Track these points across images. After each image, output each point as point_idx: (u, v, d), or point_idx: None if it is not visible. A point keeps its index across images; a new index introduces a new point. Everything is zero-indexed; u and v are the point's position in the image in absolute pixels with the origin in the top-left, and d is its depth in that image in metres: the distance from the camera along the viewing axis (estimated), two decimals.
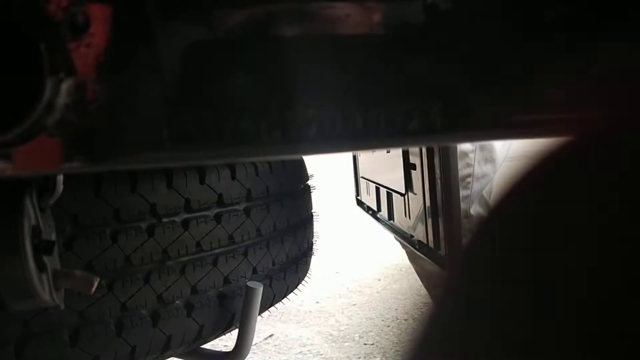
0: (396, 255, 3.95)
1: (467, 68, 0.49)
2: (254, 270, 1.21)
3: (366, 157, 1.99)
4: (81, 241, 0.99)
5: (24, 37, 0.43)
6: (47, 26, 0.43)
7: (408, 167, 1.47)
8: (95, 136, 0.46)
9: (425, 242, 1.36)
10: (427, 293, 1.99)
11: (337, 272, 3.83)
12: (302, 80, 0.48)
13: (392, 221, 1.72)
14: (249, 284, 1.15)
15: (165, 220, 1.07)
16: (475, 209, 1.81)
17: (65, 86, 0.44)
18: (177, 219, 1.09)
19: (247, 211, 1.20)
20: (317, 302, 3.31)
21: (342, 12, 0.46)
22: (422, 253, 1.42)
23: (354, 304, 3.26)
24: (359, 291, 3.47)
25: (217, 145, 0.48)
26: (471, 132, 0.51)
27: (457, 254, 1.24)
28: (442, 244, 1.25)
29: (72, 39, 0.44)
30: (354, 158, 2.21)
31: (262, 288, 1.15)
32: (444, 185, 1.24)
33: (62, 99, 0.44)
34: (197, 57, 0.47)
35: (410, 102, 0.48)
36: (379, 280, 3.63)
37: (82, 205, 0.99)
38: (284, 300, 1.41)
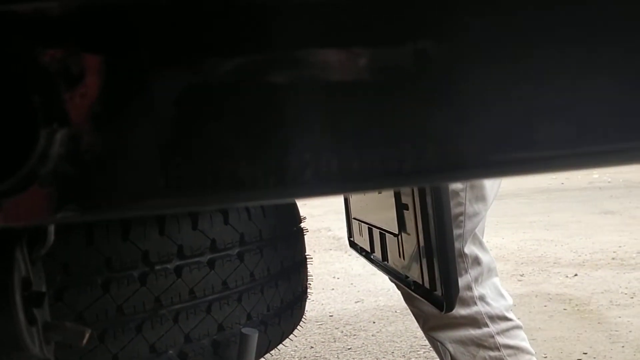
0: (390, 297, 3.92)
1: (457, 110, 0.49)
2: (249, 317, 1.19)
3: (358, 198, 1.99)
4: (72, 291, 0.97)
5: (17, 87, 0.43)
6: (42, 77, 0.43)
7: (400, 207, 1.46)
8: (89, 185, 0.46)
9: (421, 282, 1.35)
10: (423, 335, 1.96)
11: (331, 316, 3.79)
12: (296, 126, 0.48)
13: (386, 262, 1.70)
14: (243, 330, 1.13)
15: (157, 267, 1.05)
16: (469, 248, 1.80)
17: (59, 136, 0.44)
18: (169, 266, 1.07)
19: (240, 256, 1.19)
20: (312, 347, 3.26)
21: (333, 59, 0.47)
22: (418, 294, 1.40)
23: (349, 348, 3.22)
24: (354, 335, 3.43)
25: (214, 192, 0.47)
26: (463, 172, 0.51)
27: (454, 294, 1.24)
28: (438, 284, 1.24)
29: (67, 89, 0.44)
30: (346, 200, 2.22)
31: (257, 334, 1.13)
32: (437, 225, 1.24)
33: (55, 149, 0.44)
34: (192, 104, 0.47)
35: (404, 144, 0.48)
36: (374, 322, 3.59)
37: (73, 254, 0.98)
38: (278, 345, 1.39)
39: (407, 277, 1.52)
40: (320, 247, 5.69)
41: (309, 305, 1.55)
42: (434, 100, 0.49)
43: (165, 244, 1.07)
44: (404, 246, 1.49)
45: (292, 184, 0.48)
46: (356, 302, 4.10)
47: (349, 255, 4.93)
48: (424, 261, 1.30)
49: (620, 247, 4.95)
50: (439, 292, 1.26)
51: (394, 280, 1.88)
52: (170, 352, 1.06)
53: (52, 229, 0.78)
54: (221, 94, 0.47)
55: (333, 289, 4.41)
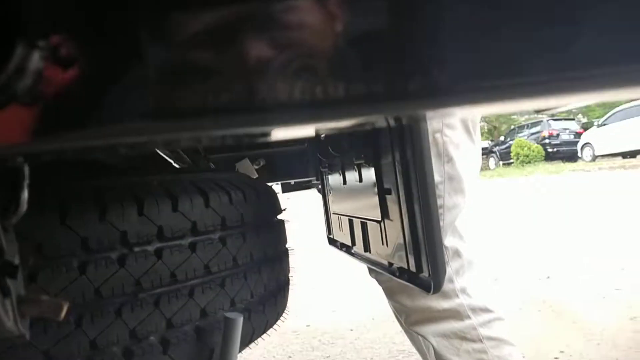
0: (368, 304, 3.89)
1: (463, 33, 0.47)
2: (232, 302, 1.15)
3: (337, 191, 1.96)
4: (46, 273, 0.92)
5: None
6: None
7: (383, 192, 1.44)
8: (73, 105, 0.42)
9: (406, 267, 1.32)
10: (401, 341, 1.93)
11: (308, 325, 3.74)
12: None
13: (368, 253, 1.67)
14: (227, 314, 1.09)
15: (137, 249, 1.01)
16: (450, 241, 1.79)
17: (38, 49, 0.41)
18: (149, 248, 1.03)
19: (222, 240, 1.15)
20: (290, 357, 3.21)
21: None
22: (403, 279, 1.37)
23: (327, 357, 3.17)
24: (332, 343, 3.39)
25: (200, 118, 0.44)
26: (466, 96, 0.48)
27: (441, 274, 1.21)
28: (425, 266, 1.22)
29: None
30: (324, 197, 2.18)
31: (241, 319, 1.08)
32: (423, 205, 1.21)
33: (34, 63, 0.40)
34: (181, 20, 0.44)
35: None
36: (352, 330, 3.56)
37: (47, 234, 0.93)
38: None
39: (391, 264, 1.49)
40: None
41: (284, 315, 1.50)
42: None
43: (144, 225, 1.02)
44: (388, 233, 1.46)
45: (297, 106, 0.45)
46: (333, 311, 4.06)
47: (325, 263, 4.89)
48: (410, 244, 1.27)
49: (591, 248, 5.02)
50: (425, 274, 1.23)
51: (376, 275, 1.85)
52: (152, 337, 1.01)
53: (24, 196, 0.74)
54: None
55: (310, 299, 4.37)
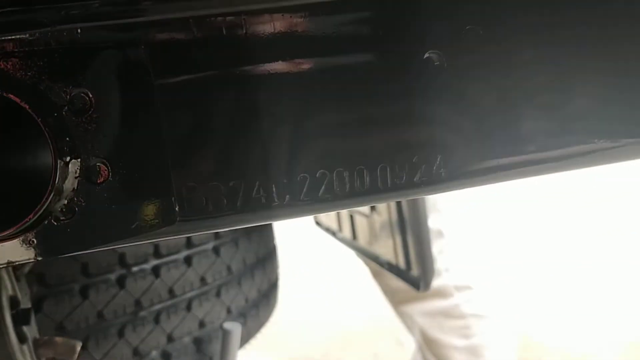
0: (350, 268, 3.94)
1: (462, 120, 0.50)
2: (228, 310, 1.19)
3: None
4: (50, 301, 0.94)
5: (28, 122, 0.41)
6: (51, 109, 0.41)
7: None
8: (104, 217, 0.44)
9: (395, 262, 1.37)
10: (391, 307, 2.00)
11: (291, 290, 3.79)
12: (310, 144, 0.47)
13: (355, 240, 1.71)
14: (225, 325, 1.13)
15: (135, 269, 1.03)
16: (432, 221, 1.84)
17: (72, 169, 0.42)
18: (147, 266, 1.05)
19: (216, 250, 1.18)
20: (275, 323, 3.28)
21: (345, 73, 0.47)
22: (393, 273, 1.42)
23: (312, 323, 3.24)
24: (316, 308, 3.45)
25: (230, 214, 0.47)
26: (469, 180, 0.52)
27: (430, 273, 1.26)
28: (413, 264, 1.26)
29: (75, 120, 0.42)
30: None
31: (239, 329, 1.13)
32: (410, 204, 1.25)
33: (69, 183, 0.42)
34: (203, 130, 0.46)
35: (414, 156, 0.49)
36: (335, 294, 3.61)
37: (48, 263, 0.95)
38: None
39: (379, 256, 1.54)
40: None
41: None
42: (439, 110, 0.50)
43: (141, 245, 1.04)
44: (375, 226, 1.50)
45: (306, 201, 0.48)
46: None
47: None
48: (398, 241, 1.32)
49: None
50: (414, 272, 1.28)
51: (363, 256, 1.90)
52: (154, 352, 1.05)
53: None
54: (236, 113, 0.46)
55: None
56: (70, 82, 0.42)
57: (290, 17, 0.45)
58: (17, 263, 0.44)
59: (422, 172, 0.49)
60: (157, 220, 0.45)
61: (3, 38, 0.42)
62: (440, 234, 1.85)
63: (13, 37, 0.42)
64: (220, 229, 0.49)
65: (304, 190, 0.48)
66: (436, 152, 0.49)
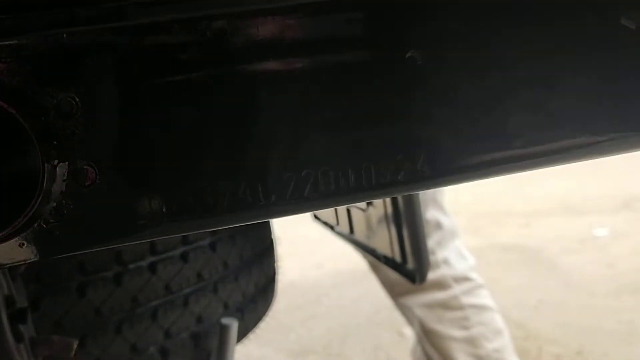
0: (349, 260, 3.97)
1: (445, 117, 0.51)
2: (225, 306, 1.20)
3: None
4: (48, 300, 0.95)
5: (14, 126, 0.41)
6: (38, 114, 0.42)
7: None
8: (93, 219, 0.45)
9: (391, 255, 1.37)
10: (385, 296, 2.01)
11: (292, 283, 3.81)
12: (295, 144, 0.48)
13: (353, 234, 1.72)
14: (222, 321, 1.14)
15: (131, 266, 1.04)
16: (430, 213, 1.85)
17: (60, 172, 0.43)
18: (143, 263, 1.06)
19: (212, 246, 1.18)
20: (275, 317, 3.29)
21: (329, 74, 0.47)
22: (389, 266, 1.43)
23: (313, 315, 3.26)
24: (317, 301, 3.47)
25: (217, 214, 0.47)
26: (453, 176, 0.52)
27: (425, 266, 1.27)
28: (409, 257, 1.27)
29: (62, 124, 0.43)
30: None
31: (236, 324, 1.14)
32: (405, 197, 1.26)
33: (57, 186, 0.43)
34: (189, 129, 0.46)
35: (398, 154, 0.50)
36: (336, 286, 3.63)
37: (45, 262, 0.95)
38: None
39: (376, 250, 1.54)
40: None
41: None
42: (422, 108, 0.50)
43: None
44: (372, 219, 1.51)
45: (292, 200, 0.49)
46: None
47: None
48: (394, 234, 1.32)
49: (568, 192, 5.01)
50: (410, 265, 1.29)
51: (360, 250, 1.91)
52: (152, 349, 1.06)
53: None
54: (220, 117, 0.46)
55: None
56: (57, 87, 0.43)
57: (274, 19, 0.46)
58: (7, 266, 0.45)
59: (405, 170, 0.50)
60: (144, 222, 0.46)
61: None
62: (439, 226, 1.86)
63: None
64: (208, 229, 0.50)
65: (290, 189, 0.48)
66: (419, 150, 0.50)
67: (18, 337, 0.74)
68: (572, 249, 3.69)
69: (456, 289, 1.84)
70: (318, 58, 0.47)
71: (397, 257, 1.32)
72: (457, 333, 1.86)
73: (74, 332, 0.96)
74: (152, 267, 1.08)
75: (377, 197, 0.51)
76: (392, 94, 0.49)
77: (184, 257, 1.13)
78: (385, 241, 1.40)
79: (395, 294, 1.92)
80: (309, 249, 4.54)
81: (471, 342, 1.85)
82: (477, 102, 0.51)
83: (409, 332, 2.35)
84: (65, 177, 0.44)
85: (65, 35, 0.43)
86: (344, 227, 1.76)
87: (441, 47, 0.49)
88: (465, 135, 0.51)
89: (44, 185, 0.42)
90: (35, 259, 0.45)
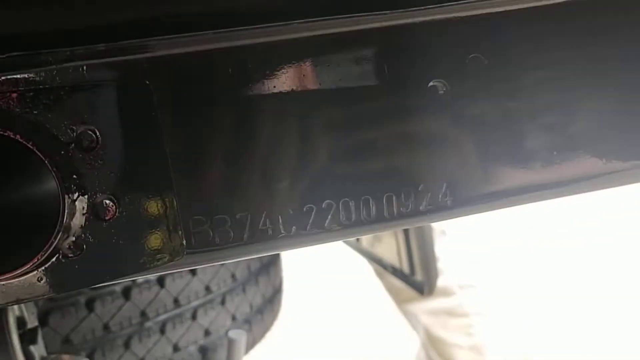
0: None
1: (467, 147, 0.50)
2: (233, 318, 1.19)
3: None
4: (56, 315, 0.95)
5: (32, 159, 0.41)
6: (58, 148, 0.41)
7: None
8: (112, 253, 0.44)
9: (399, 266, 1.37)
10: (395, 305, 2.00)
11: None
12: (316, 174, 0.47)
13: (359, 242, 1.72)
14: (230, 334, 1.13)
15: (140, 280, 1.04)
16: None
17: (80, 206, 0.42)
18: (152, 277, 1.06)
19: None
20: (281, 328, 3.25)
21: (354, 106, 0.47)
22: (397, 277, 1.42)
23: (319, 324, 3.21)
24: None
25: (237, 246, 0.47)
26: (475, 206, 0.52)
27: (433, 278, 1.26)
28: (417, 268, 1.27)
29: (82, 157, 0.42)
30: None
31: (244, 337, 1.13)
32: None
33: (77, 220, 0.42)
34: (209, 162, 0.46)
35: (420, 184, 0.49)
36: None
37: None
38: None
39: (383, 259, 1.54)
40: None
41: None
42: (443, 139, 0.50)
43: None
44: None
45: (313, 231, 0.48)
46: None
47: None
48: (402, 243, 1.32)
49: None
50: (418, 276, 1.29)
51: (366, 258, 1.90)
52: None
53: None
54: (239, 150, 0.46)
55: None
56: (76, 120, 0.42)
57: (294, 50, 0.45)
58: (25, 301, 0.44)
59: (427, 200, 0.49)
60: (164, 254, 0.46)
61: (8, 77, 0.42)
62: (443, 232, 1.85)
63: (18, 75, 0.42)
64: (227, 260, 0.49)
65: (311, 221, 0.48)
66: (442, 180, 0.49)
67: (29, 358, 0.74)
68: None
69: (461, 296, 1.83)
70: (340, 89, 0.47)
71: (405, 268, 1.31)
72: (462, 340, 1.85)
73: (82, 348, 0.96)
74: (161, 281, 1.07)
75: (398, 227, 0.50)
76: (413, 124, 0.49)
77: (192, 270, 1.12)
78: (392, 250, 1.39)
79: (400, 300, 1.91)
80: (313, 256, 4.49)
81: (476, 349, 1.84)
82: (500, 131, 0.50)
83: (413, 339, 2.34)
84: (85, 211, 0.43)
85: (84, 68, 0.43)
86: None
87: (463, 76, 0.49)
88: (488, 165, 0.50)
89: (64, 219, 0.41)
90: (53, 294, 0.45)
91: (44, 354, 0.79)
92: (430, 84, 0.48)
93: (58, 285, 0.44)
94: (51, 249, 0.41)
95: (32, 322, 0.76)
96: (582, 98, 0.53)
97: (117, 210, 0.44)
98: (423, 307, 1.87)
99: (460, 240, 1.91)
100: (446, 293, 1.83)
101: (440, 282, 1.80)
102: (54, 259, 0.43)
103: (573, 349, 2.51)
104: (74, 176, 0.42)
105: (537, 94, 0.51)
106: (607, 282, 3.16)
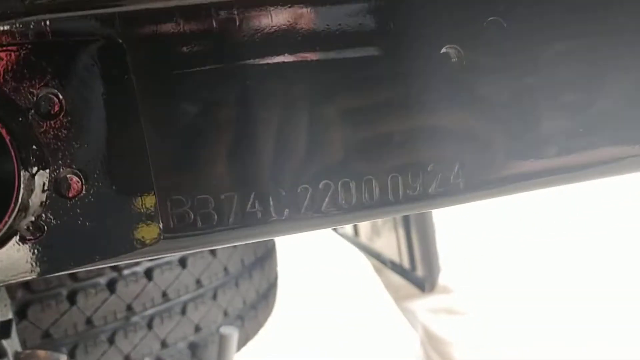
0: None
1: (482, 122, 0.45)
2: (225, 313, 1.14)
3: None
4: (36, 307, 0.89)
5: None
6: (15, 113, 0.36)
7: None
8: (78, 235, 0.39)
9: (399, 261, 1.32)
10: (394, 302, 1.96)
11: None
12: (312, 151, 0.42)
13: (357, 237, 1.66)
14: (222, 330, 1.08)
15: (126, 272, 0.98)
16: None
17: (40, 181, 0.37)
18: (139, 269, 1.00)
19: (212, 250, 1.12)
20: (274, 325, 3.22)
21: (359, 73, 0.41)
22: (396, 272, 1.37)
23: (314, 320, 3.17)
24: None
25: (221, 231, 0.41)
26: (490, 190, 0.46)
27: (435, 274, 1.21)
28: (418, 264, 1.21)
29: (43, 125, 0.37)
30: None
31: (236, 334, 1.08)
32: None
33: (36, 197, 0.37)
34: (190, 134, 0.40)
35: (429, 164, 0.44)
36: None
37: None
38: None
39: (382, 254, 1.49)
40: None
41: None
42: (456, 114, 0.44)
43: None
44: (378, 221, 1.45)
45: (309, 215, 0.43)
46: None
47: None
48: (402, 238, 1.27)
49: None
50: (419, 272, 1.24)
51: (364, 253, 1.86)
52: (147, 359, 1.00)
53: None
54: (224, 123, 0.40)
55: None
56: (37, 82, 0.37)
57: (290, 8, 0.40)
58: None
59: (437, 182, 0.43)
60: (137, 239, 0.40)
61: None
62: (442, 228, 1.82)
63: None
64: (211, 247, 0.43)
65: (305, 203, 0.42)
66: (454, 159, 0.44)
67: (1, 353, 0.68)
68: None
69: (460, 294, 1.80)
70: (341, 54, 0.41)
71: (406, 263, 1.26)
72: (460, 338, 1.82)
73: (63, 343, 0.90)
74: (149, 273, 1.02)
75: (404, 212, 0.45)
76: (422, 95, 0.43)
77: (182, 263, 1.07)
78: (392, 245, 1.34)
79: (399, 297, 1.87)
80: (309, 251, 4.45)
81: (475, 347, 1.81)
82: (518, 105, 0.45)
83: (412, 337, 2.29)
84: (45, 188, 0.37)
85: (48, 22, 0.37)
86: (348, 229, 1.70)
87: (479, 42, 0.43)
88: (505, 144, 0.45)
89: (21, 196, 0.36)
90: (11, 281, 0.39)
91: (19, 348, 0.74)
92: (443, 50, 0.43)
93: (16, 271, 0.39)
94: (5, 228, 0.36)
95: (4, 314, 0.70)
96: (609, 74, 0.47)
97: (83, 187, 0.38)
98: (422, 304, 1.83)
99: (460, 237, 1.87)
100: (445, 291, 1.79)
101: (440, 279, 1.76)
102: (11, 242, 0.38)
103: (573, 349, 2.47)
104: (33, 147, 0.37)
105: (561, 68, 0.46)
106: (607, 283, 3.13)
